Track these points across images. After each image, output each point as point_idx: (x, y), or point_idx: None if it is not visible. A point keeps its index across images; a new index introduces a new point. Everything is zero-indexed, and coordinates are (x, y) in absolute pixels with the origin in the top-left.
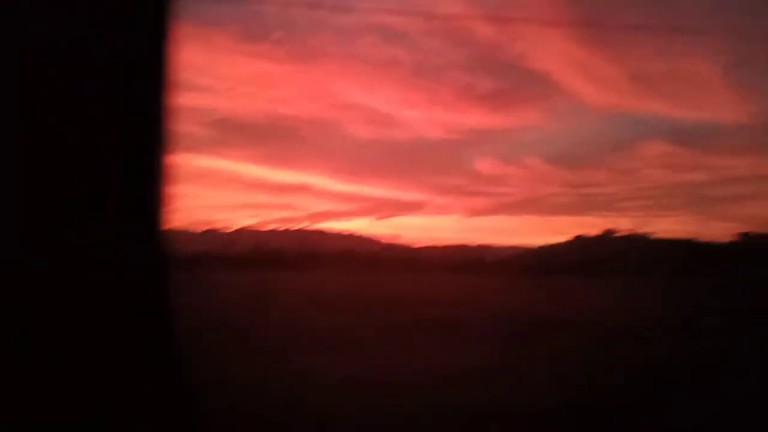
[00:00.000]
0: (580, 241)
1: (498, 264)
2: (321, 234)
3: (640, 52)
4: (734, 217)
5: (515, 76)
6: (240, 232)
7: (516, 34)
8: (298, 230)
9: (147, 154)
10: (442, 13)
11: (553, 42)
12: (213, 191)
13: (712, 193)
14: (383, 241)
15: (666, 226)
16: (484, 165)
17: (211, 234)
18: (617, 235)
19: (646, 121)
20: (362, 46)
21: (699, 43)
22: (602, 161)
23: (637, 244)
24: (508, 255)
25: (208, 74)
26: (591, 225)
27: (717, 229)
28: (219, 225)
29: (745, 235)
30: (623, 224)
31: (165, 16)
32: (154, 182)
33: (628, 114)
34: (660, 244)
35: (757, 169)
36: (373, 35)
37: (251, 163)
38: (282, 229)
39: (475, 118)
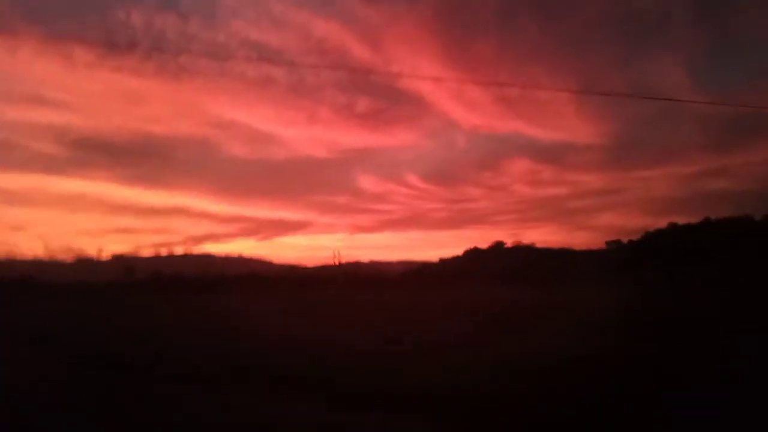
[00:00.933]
0: (472, 253)
1: (401, 277)
2: (209, 257)
3: (502, 77)
4: (593, 227)
5: (391, 97)
6: (117, 258)
7: (391, 56)
8: (184, 255)
9: None
10: (318, 33)
11: (424, 64)
12: (76, 216)
13: (573, 206)
14: (275, 261)
15: (536, 237)
16: (366, 183)
17: (83, 263)
18: (506, 246)
19: (511, 140)
20: (236, 63)
21: (549, 71)
22: (474, 178)
23: (522, 254)
24: (405, 269)
25: (66, 90)
26: (469, 238)
27: (579, 237)
28: (89, 252)
29: (614, 242)
30: (498, 236)
31: None
32: None
33: (495, 133)
34: (541, 253)
35: (609, 184)
36: (246, 52)
37: (118, 184)
38: (163, 254)
39: (354, 137)
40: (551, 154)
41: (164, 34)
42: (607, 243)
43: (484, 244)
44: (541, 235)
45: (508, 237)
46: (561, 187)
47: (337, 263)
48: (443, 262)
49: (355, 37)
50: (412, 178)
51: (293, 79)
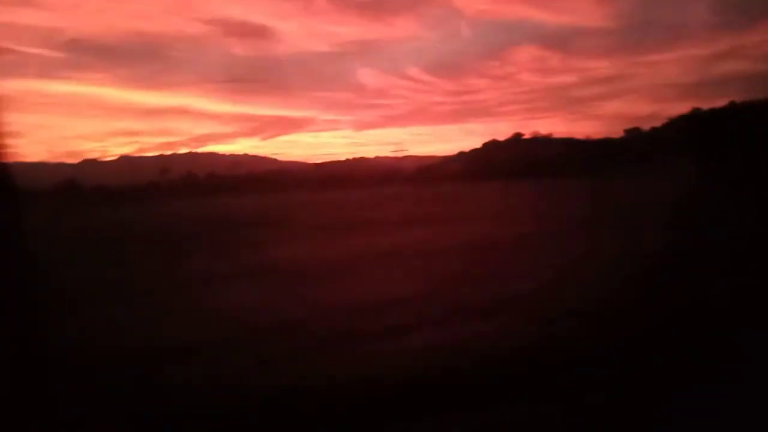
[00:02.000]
0: (492, 145)
1: (420, 172)
2: (215, 156)
3: None
4: (601, 116)
5: None
6: (123, 159)
7: None
8: (189, 154)
9: None
10: None
11: None
12: (75, 120)
13: (580, 94)
14: (280, 159)
15: (544, 127)
16: (368, 77)
17: (91, 164)
18: (525, 137)
19: (517, 26)
20: None
21: None
22: (478, 68)
23: (543, 145)
24: (424, 164)
25: None
26: (474, 131)
27: (587, 127)
28: (93, 155)
29: (633, 130)
30: (504, 128)
31: None
32: None
33: (499, 21)
34: (560, 144)
35: (618, 70)
36: None
37: (115, 86)
38: (168, 153)
39: (353, 29)
40: (559, 40)
41: None
42: (626, 131)
43: (491, 137)
44: (550, 125)
45: (515, 128)
46: (567, 75)
47: (400, 156)
48: (463, 155)
49: None
50: (415, 71)
51: None
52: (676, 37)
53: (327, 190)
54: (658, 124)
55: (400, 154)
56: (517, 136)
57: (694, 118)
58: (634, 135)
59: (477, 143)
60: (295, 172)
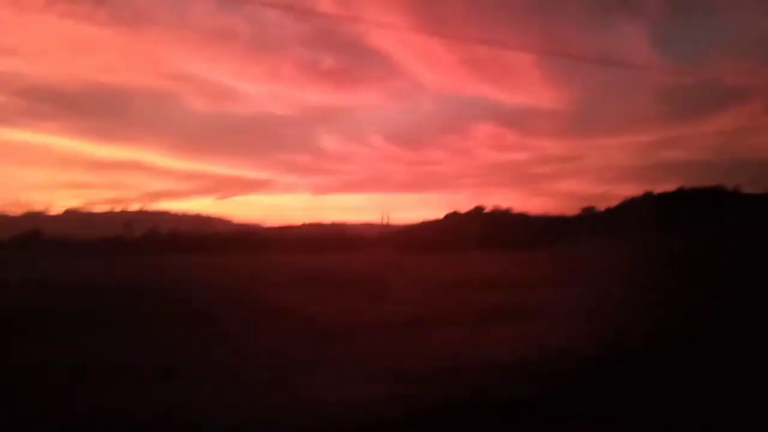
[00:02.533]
0: (452, 217)
1: (377, 240)
2: (165, 215)
3: (469, 39)
4: (553, 192)
5: (356, 55)
6: (69, 213)
7: (356, 12)
8: (140, 212)
9: None
10: None
11: (391, 24)
12: (23, 168)
13: (533, 171)
14: (234, 221)
15: (496, 201)
16: (329, 142)
17: (34, 217)
18: (485, 211)
19: (476, 102)
20: (196, 14)
21: (515, 35)
22: (438, 141)
23: (501, 219)
24: (382, 232)
25: (13, 35)
26: (431, 201)
27: (539, 203)
28: (38, 207)
29: (588, 209)
30: (460, 200)
31: None
32: None
33: (461, 96)
34: (518, 219)
35: (570, 150)
36: (207, 2)
37: (68, 136)
38: (117, 209)
39: (318, 95)
40: (515, 118)
41: None
42: (583, 209)
43: (449, 208)
44: (505, 200)
45: (472, 201)
46: (523, 152)
47: (385, 223)
48: (425, 225)
49: None
50: (377, 139)
51: (256, 32)
52: (625, 123)
53: (301, 252)
54: (611, 204)
55: (385, 221)
56: (478, 209)
57: (647, 199)
58: (589, 213)
59: (435, 213)
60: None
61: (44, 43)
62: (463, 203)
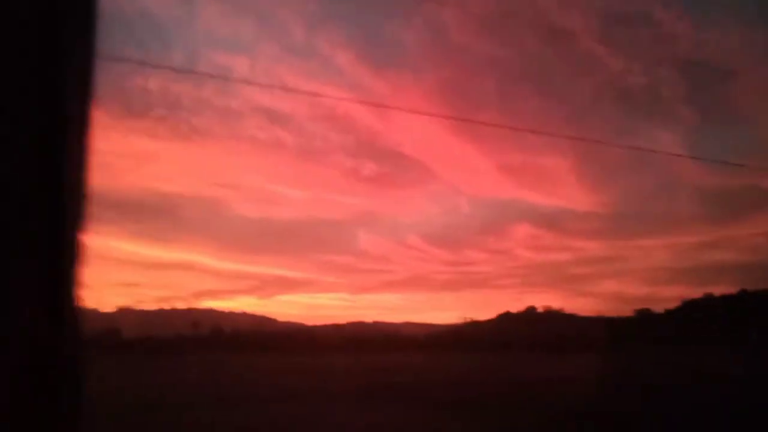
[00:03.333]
0: (505, 317)
1: (445, 340)
2: (213, 312)
3: (504, 146)
4: (594, 293)
5: (395, 162)
6: (123, 311)
7: (395, 123)
8: (188, 310)
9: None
10: (326, 99)
11: (429, 132)
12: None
13: (574, 272)
14: (280, 320)
15: (537, 302)
16: (369, 244)
17: (93, 314)
18: (538, 311)
19: (514, 206)
20: (247, 127)
21: (551, 143)
22: (477, 242)
23: (554, 320)
24: (435, 332)
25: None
26: (471, 301)
27: (580, 303)
28: (90, 304)
29: (643, 311)
30: (500, 300)
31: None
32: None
33: (498, 199)
34: (571, 320)
35: (608, 251)
36: (257, 117)
37: (124, 240)
38: (167, 308)
39: (358, 200)
40: (552, 220)
41: (178, 99)
42: (636, 311)
43: (489, 307)
44: (541, 300)
45: (511, 301)
46: (561, 253)
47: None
48: (475, 325)
49: (363, 104)
50: (414, 240)
51: (301, 143)
52: (664, 225)
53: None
54: (658, 306)
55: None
56: (530, 309)
57: (706, 302)
58: (644, 315)
59: (476, 313)
60: (316, 334)
61: (108, 156)
62: (502, 303)
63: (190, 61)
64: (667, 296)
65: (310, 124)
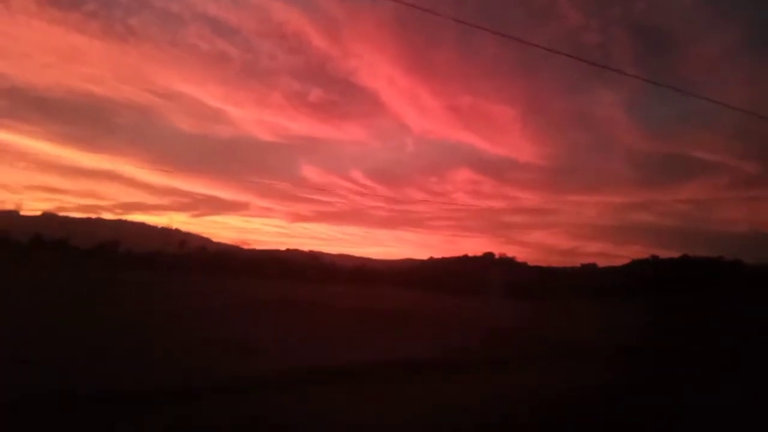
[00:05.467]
0: (466, 260)
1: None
2: (142, 227)
3: (455, 88)
4: (525, 243)
5: (343, 91)
6: (46, 216)
7: (349, 51)
8: (118, 221)
9: None
10: (277, 17)
11: (381, 64)
12: None
13: (508, 220)
14: (213, 239)
15: (468, 246)
16: (309, 172)
17: (5, 216)
18: (495, 258)
19: (458, 148)
20: (188, 35)
21: (503, 89)
22: (417, 181)
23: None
24: (395, 267)
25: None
26: (405, 239)
27: (511, 251)
28: (7, 206)
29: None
30: (433, 241)
31: None
32: None
33: (443, 141)
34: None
35: (542, 203)
36: (200, 25)
37: (48, 141)
38: (93, 217)
39: (302, 125)
40: (493, 167)
41: None
42: (583, 266)
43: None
44: (473, 245)
45: (445, 244)
46: (497, 200)
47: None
48: (434, 261)
49: (315, 26)
50: (356, 174)
51: (247, 59)
52: (596, 183)
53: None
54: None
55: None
56: (488, 255)
57: (651, 263)
58: (590, 269)
59: (410, 251)
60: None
61: (31, 47)
62: (435, 244)
63: None
64: (589, 251)
65: (257, 40)
